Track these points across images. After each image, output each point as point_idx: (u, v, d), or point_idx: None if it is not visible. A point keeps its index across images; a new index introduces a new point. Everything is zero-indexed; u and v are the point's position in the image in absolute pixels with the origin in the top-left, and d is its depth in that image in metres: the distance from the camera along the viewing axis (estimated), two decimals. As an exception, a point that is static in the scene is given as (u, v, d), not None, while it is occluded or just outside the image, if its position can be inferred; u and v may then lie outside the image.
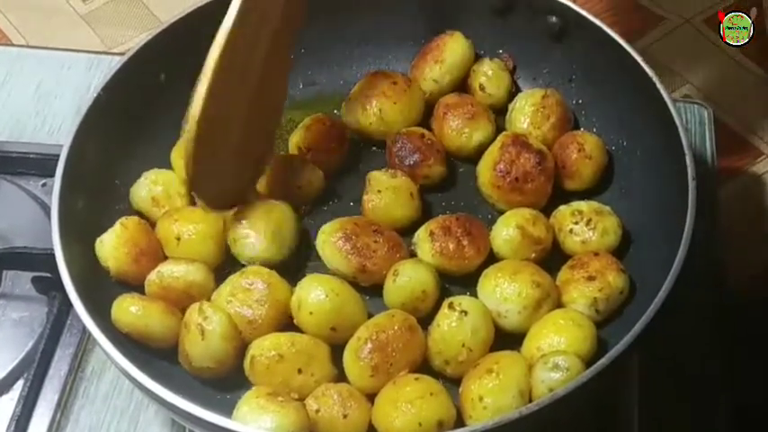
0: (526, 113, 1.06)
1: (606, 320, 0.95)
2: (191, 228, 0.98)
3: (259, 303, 0.93)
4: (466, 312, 0.90)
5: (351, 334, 0.92)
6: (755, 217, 1.27)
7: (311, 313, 0.92)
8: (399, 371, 0.88)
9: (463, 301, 0.92)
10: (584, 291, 0.93)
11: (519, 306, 0.92)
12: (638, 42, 1.43)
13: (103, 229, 0.97)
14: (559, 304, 0.94)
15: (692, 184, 0.91)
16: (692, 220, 0.89)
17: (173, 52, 1.07)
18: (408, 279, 0.93)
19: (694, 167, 0.92)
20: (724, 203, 1.18)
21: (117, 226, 0.97)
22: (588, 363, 0.86)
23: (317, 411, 0.86)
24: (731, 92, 1.42)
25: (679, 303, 0.86)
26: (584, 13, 1.05)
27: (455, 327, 0.90)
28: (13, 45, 1.45)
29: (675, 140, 0.94)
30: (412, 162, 1.04)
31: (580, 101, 1.10)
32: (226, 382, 0.92)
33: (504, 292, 0.93)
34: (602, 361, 0.82)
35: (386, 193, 1.01)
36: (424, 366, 0.92)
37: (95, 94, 1.00)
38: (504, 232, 0.98)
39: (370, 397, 0.89)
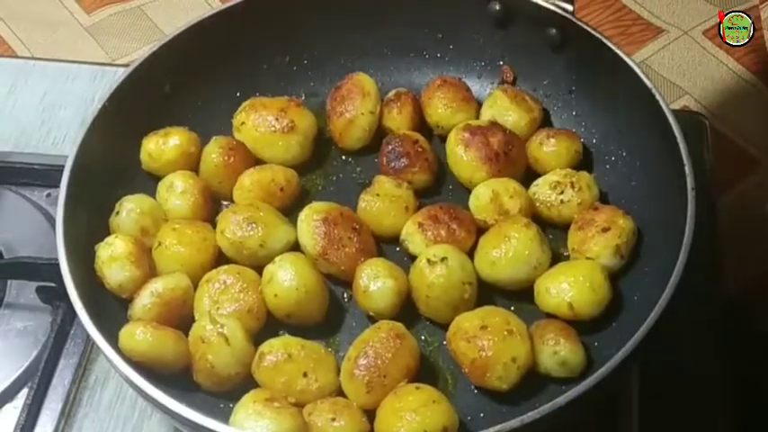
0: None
1: (606, 328, 0.96)
2: (175, 244, 0.98)
3: (243, 293, 0.95)
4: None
5: (302, 325, 0.96)
6: (754, 227, 1.27)
7: (276, 295, 0.94)
8: (395, 381, 0.89)
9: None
10: (605, 242, 0.97)
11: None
12: (637, 54, 1.44)
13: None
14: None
15: (691, 195, 0.92)
16: (692, 230, 0.90)
17: (177, 64, 1.09)
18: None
19: (694, 178, 0.93)
20: (722, 213, 1.18)
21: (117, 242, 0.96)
22: (588, 371, 0.87)
23: (309, 414, 0.88)
24: (730, 103, 1.42)
25: (679, 311, 0.87)
26: (583, 25, 1.06)
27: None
28: (18, 57, 1.45)
29: (675, 151, 0.95)
30: (398, 166, 1.05)
31: (580, 112, 1.11)
32: (229, 392, 0.92)
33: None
34: (603, 370, 0.83)
35: (383, 198, 1.02)
36: (423, 376, 0.92)
37: (99, 106, 1.01)
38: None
39: (373, 413, 0.89)
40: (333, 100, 1.11)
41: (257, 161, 1.08)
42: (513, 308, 0.97)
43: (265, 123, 1.08)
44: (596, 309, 0.94)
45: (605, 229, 0.97)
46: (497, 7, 1.11)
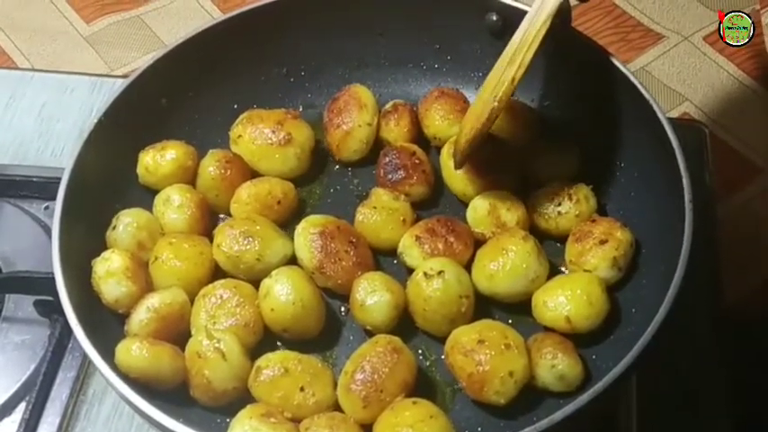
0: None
1: (604, 341, 0.95)
2: (171, 258, 0.98)
3: (240, 307, 0.95)
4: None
5: (299, 339, 0.96)
6: (754, 233, 1.27)
7: (272, 310, 0.94)
8: (391, 396, 0.89)
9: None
10: (603, 254, 0.97)
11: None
12: (636, 60, 1.43)
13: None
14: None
15: (688, 206, 0.91)
16: (689, 242, 0.89)
17: (174, 77, 1.08)
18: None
19: (691, 189, 0.92)
20: (723, 220, 1.18)
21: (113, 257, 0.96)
22: (586, 384, 0.87)
23: (306, 429, 0.87)
24: (730, 109, 1.42)
25: (678, 322, 0.87)
26: (581, 35, 1.06)
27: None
28: (16, 68, 1.45)
29: (672, 162, 0.95)
30: (395, 178, 1.05)
31: (577, 123, 1.11)
32: (226, 407, 0.92)
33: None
34: (600, 385, 0.82)
35: (380, 211, 1.02)
36: (420, 391, 0.92)
37: (96, 120, 1.01)
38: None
39: (370, 428, 0.89)
40: (330, 112, 1.11)
41: (254, 174, 1.08)
42: (510, 321, 0.97)
43: (262, 136, 1.08)
44: (594, 322, 0.94)
45: (603, 242, 0.97)
46: (495, 18, 1.10)
